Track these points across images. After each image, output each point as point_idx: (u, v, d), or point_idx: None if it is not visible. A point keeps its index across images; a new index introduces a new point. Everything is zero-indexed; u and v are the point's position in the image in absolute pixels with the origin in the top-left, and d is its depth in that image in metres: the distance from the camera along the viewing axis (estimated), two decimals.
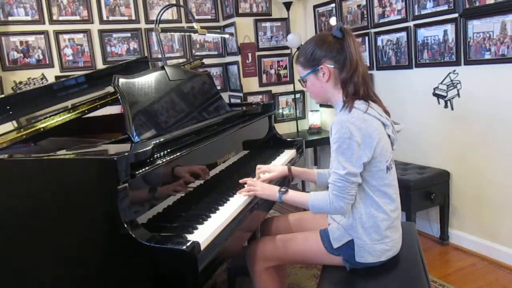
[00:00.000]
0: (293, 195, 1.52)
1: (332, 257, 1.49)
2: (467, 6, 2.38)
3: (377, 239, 1.42)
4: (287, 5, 3.65)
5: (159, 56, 3.55)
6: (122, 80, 1.57)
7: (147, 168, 1.26)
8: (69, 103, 1.79)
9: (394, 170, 1.48)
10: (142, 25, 3.55)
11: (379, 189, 1.41)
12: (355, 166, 1.33)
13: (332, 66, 1.41)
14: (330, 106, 3.76)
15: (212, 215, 1.39)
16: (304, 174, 1.81)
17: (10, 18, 3.10)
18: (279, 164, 1.97)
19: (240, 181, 1.67)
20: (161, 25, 2.44)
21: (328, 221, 1.58)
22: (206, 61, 3.27)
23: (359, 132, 1.32)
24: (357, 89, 1.40)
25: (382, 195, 1.42)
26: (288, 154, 2.24)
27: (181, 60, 3.60)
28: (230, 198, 1.56)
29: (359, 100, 1.39)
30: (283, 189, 1.53)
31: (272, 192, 1.55)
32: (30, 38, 3.18)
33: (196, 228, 1.28)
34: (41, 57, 3.22)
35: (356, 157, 1.33)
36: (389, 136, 1.44)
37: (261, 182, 1.64)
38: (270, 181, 1.72)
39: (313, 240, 1.52)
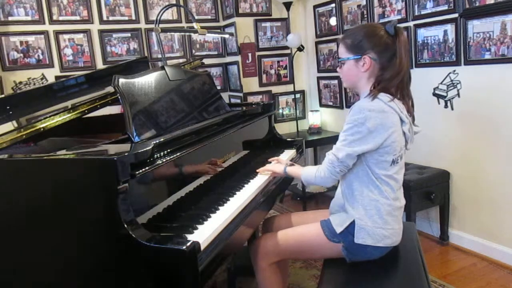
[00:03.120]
0: (293, 168, 1.74)
1: (332, 245, 1.53)
2: (467, 6, 2.38)
3: (379, 223, 1.46)
4: (287, 5, 3.65)
5: (159, 56, 3.56)
6: (122, 80, 1.57)
7: (147, 168, 1.26)
8: (69, 103, 1.78)
9: (400, 167, 1.51)
10: (142, 25, 3.55)
11: (381, 177, 1.46)
12: (355, 150, 1.40)
13: (375, 60, 1.44)
14: (330, 106, 3.78)
15: (212, 215, 1.39)
16: None
17: (10, 18, 3.10)
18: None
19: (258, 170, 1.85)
20: (161, 25, 2.43)
21: (330, 211, 1.63)
22: (206, 61, 3.27)
23: (374, 120, 1.37)
24: (390, 87, 1.44)
25: (385, 183, 1.47)
26: (288, 154, 2.24)
27: (181, 60, 3.60)
28: (230, 198, 1.56)
29: (385, 93, 1.43)
30: (288, 163, 1.79)
31: (280, 167, 1.78)
32: (30, 38, 3.18)
33: (196, 228, 1.28)
34: (41, 57, 3.22)
35: (361, 142, 1.39)
36: (404, 133, 1.47)
37: (271, 164, 1.88)
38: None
39: (313, 230, 1.57)
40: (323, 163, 1.50)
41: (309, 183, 1.61)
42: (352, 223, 1.48)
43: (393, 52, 1.43)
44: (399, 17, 2.83)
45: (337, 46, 1.56)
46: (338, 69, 1.56)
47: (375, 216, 1.46)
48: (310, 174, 1.55)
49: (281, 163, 1.84)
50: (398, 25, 1.45)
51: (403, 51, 1.42)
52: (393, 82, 1.44)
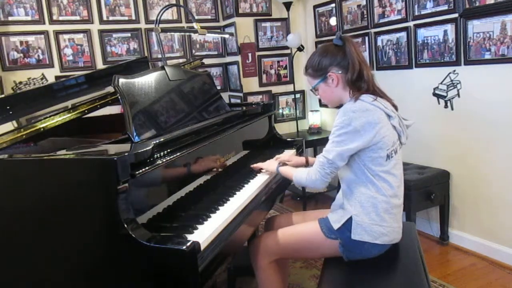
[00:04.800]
0: (286, 168, 1.74)
1: (330, 243, 1.54)
2: (467, 6, 2.38)
3: (376, 221, 1.48)
4: (287, 5, 3.65)
5: (159, 56, 3.56)
6: (122, 80, 1.57)
7: (147, 168, 1.26)
8: (69, 103, 1.79)
9: (396, 161, 1.52)
10: (142, 25, 3.55)
11: (378, 174, 1.48)
12: (343, 149, 1.44)
13: (340, 72, 1.53)
14: None
15: (212, 215, 1.39)
16: None
17: (10, 18, 3.10)
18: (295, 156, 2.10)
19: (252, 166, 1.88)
20: (161, 25, 2.44)
21: (330, 211, 1.64)
22: (206, 61, 3.27)
23: (359, 120, 1.42)
24: (368, 86, 1.52)
25: (382, 180, 1.48)
26: (288, 154, 2.24)
27: (181, 60, 3.60)
28: (230, 198, 1.56)
29: (366, 94, 1.49)
30: (280, 164, 1.79)
31: (273, 166, 1.80)
32: (30, 38, 3.18)
33: (196, 228, 1.28)
34: (41, 57, 3.22)
35: (349, 141, 1.43)
36: (394, 127, 1.51)
37: (267, 161, 1.89)
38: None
39: (311, 228, 1.60)
40: (313, 166, 1.53)
41: (301, 185, 1.64)
42: (349, 220, 1.49)
43: (348, 58, 1.52)
44: (399, 17, 2.84)
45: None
46: (317, 96, 1.66)
47: (372, 213, 1.48)
48: (301, 176, 1.58)
49: (276, 161, 1.85)
50: (342, 35, 1.55)
51: (354, 53, 1.51)
52: (362, 80, 1.51)
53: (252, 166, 1.88)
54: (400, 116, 1.56)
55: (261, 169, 1.87)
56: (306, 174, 1.54)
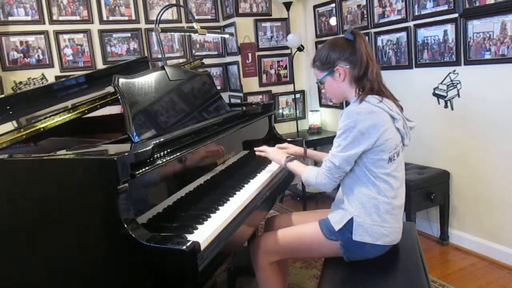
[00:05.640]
0: (295, 165, 1.69)
1: (330, 244, 1.54)
2: (467, 6, 2.38)
3: (377, 221, 1.47)
4: (287, 5, 3.65)
5: (159, 56, 3.56)
6: (122, 80, 1.57)
7: (147, 168, 1.26)
8: (69, 103, 1.79)
9: (398, 163, 1.52)
10: (142, 25, 3.55)
11: (380, 176, 1.47)
12: (350, 154, 1.43)
13: (347, 67, 1.51)
14: (330, 106, 3.78)
15: (212, 215, 1.39)
16: (316, 156, 1.95)
17: (10, 18, 3.11)
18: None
19: (255, 149, 1.86)
20: (161, 25, 2.44)
21: (331, 211, 1.63)
22: (206, 61, 3.27)
23: (364, 122, 1.41)
24: (372, 85, 1.49)
25: (383, 181, 1.48)
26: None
27: (181, 60, 3.60)
28: (230, 198, 1.56)
29: (372, 94, 1.47)
30: (289, 158, 1.73)
31: (280, 158, 1.76)
32: (30, 38, 3.18)
33: (196, 228, 1.28)
34: (41, 57, 3.23)
35: (354, 145, 1.42)
36: (398, 129, 1.50)
37: (273, 148, 1.85)
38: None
39: (311, 229, 1.59)
40: (322, 169, 1.51)
41: (309, 185, 1.62)
42: (351, 221, 1.49)
43: (357, 54, 1.50)
44: (399, 17, 2.84)
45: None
46: (322, 90, 1.61)
47: (374, 214, 1.47)
48: (311, 177, 1.55)
49: (282, 153, 1.80)
50: (354, 29, 1.53)
51: (363, 49, 1.49)
52: (365, 78, 1.49)
53: (256, 149, 1.83)
54: (404, 117, 1.55)
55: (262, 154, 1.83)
56: (316, 175, 1.52)
